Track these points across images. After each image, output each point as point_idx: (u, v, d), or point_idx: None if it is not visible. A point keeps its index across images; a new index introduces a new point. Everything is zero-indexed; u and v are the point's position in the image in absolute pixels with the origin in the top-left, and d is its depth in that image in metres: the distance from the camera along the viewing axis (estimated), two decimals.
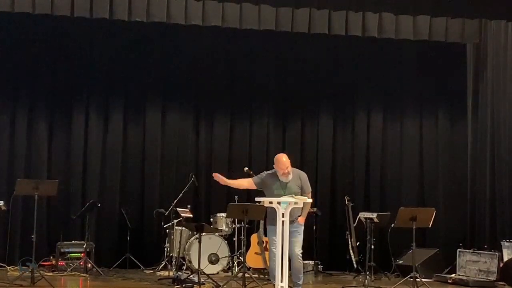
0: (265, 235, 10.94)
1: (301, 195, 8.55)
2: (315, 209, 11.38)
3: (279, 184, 8.65)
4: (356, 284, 10.55)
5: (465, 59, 12.39)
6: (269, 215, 8.63)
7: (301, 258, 8.70)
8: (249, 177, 9.14)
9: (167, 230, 11.23)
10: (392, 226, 10.35)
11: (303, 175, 8.85)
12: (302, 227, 8.73)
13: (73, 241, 11.21)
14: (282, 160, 8.65)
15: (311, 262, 11.57)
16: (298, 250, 8.62)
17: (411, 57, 12.63)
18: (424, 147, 12.77)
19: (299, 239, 8.65)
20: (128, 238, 11.51)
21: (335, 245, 12.21)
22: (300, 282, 8.73)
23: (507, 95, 11.69)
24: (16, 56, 11.79)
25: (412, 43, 11.62)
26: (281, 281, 8.13)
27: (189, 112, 12.39)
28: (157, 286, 9.91)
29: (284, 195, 8.40)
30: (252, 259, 10.94)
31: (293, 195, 8.34)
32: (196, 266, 10.01)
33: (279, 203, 8.22)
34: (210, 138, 12.44)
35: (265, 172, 8.94)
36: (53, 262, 11.00)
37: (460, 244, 11.40)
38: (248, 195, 11.41)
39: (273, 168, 8.77)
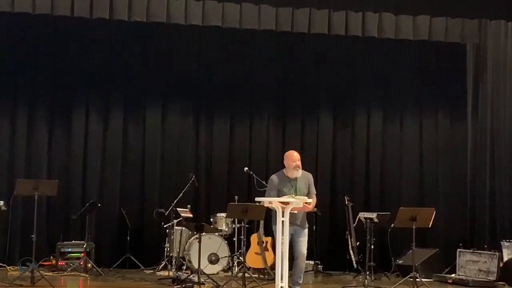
0: (266, 235, 10.99)
1: (308, 196, 8.66)
2: (315, 209, 11.37)
3: (290, 185, 8.66)
4: (356, 284, 10.55)
5: (465, 59, 12.37)
6: None
7: (305, 258, 8.77)
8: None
9: (167, 230, 11.23)
10: (392, 226, 10.34)
11: (311, 176, 8.91)
12: (307, 228, 8.78)
13: (73, 241, 11.21)
14: (293, 154, 8.74)
15: (311, 262, 11.57)
16: (305, 250, 8.68)
17: (411, 57, 12.62)
18: (424, 147, 12.76)
19: (306, 239, 8.71)
20: (128, 238, 11.51)
21: (335, 245, 12.20)
22: (301, 282, 8.73)
23: (507, 95, 11.70)
24: (16, 56, 11.78)
25: (412, 43, 11.61)
26: (281, 281, 8.14)
27: (189, 112, 12.38)
28: (157, 286, 9.91)
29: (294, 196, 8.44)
30: (252, 259, 10.93)
31: (294, 195, 8.37)
32: (196, 266, 10.02)
33: (279, 203, 8.25)
34: (210, 138, 12.43)
35: (272, 177, 8.83)
36: (53, 262, 11.00)
37: (460, 244, 11.40)
38: (248, 195, 11.43)
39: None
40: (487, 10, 11.27)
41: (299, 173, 8.70)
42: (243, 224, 10.06)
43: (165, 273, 10.76)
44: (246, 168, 10.67)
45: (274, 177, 8.80)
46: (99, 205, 11.39)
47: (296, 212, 8.42)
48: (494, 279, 10.61)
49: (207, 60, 12.38)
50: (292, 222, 8.43)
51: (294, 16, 10.79)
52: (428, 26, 11.09)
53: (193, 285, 9.43)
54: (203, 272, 9.91)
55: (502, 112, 11.77)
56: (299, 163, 8.68)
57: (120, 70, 12.15)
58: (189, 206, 11.16)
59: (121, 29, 11.63)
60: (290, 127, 12.65)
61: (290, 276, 8.37)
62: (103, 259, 11.39)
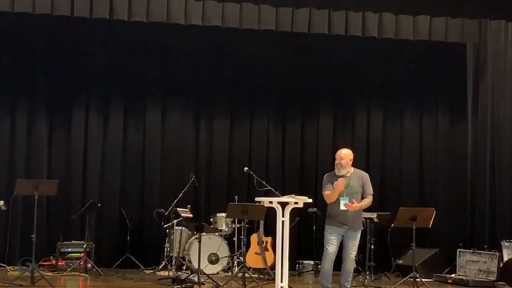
0: (265, 235, 10.99)
1: (363, 196, 8.67)
2: (315, 209, 11.39)
3: None
4: (356, 284, 10.52)
5: (465, 59, 12.38)
6: (329, 213, 8.65)
7: (354, 261, 8.75)
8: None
9: (167, 230, 11.23)
10: (392, 226, 10.36)
11: (366, 176, 8.85)
12: (361, 231, 8.77)
13: (73, 241, 11.21)
14: (341, 152, 8.71)
15: (311, 262, 11.59)
16: (352, 254, 8.62)
17: (411, 57, 12.61)
18: (424, 147, 12.76)
19: (356, 243, 8.66)
20: (128, 238, 11.51)
21: None
22: (349, 286, 8.68)
23: (507, 95, 11.69)
24: (16, 56, 11.78)
25: (412, 43, 11.61)
26: (281, 281, 8.13)
27: (189, 112, 12.38)
28: (157, 286, 9.91)
29: (344, 193, 8.48)
30: (252, 259, 10.93)
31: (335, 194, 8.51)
32: (196, 266, 10.01)
33: (279, 203, 8.27)
34: (210, 138, 12.43)
35: (326, 175, 8.88)
36: (53, 262, 11.00)
37: (460, 244, 11.40)
38: (248, 195, 11.43)
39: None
40: (487, 10, 11.26)
41: (341, 172, 8.60)
42: (243, 224, 10.06)
43: (165, 273, 10.76)
44: (246, 168, 10.68)
45: (328, 174, 8.81)
46: (99, 205, 11.40)
47: (346, 209, 8.44)
48: (494, 279, 10.61)
49: (207, 60, 12.38)
50: (342, 223, 8.48)
51: (294, 16, 10.77)
52: (428, 26, 11.08)
53: (193, 285, 9.43)
54: (203, 272, 9.91)
55: (502, 112, 11.75)
56: (341, 161, 8.60)
57: (120, 70, 12.15)
58: (189, 206, 11.16)
59: (121, 29, 11.62)
60: (290, 127, 12.64)
61: (337, 276, 8.55)
62: (103, 259, 11.40)
